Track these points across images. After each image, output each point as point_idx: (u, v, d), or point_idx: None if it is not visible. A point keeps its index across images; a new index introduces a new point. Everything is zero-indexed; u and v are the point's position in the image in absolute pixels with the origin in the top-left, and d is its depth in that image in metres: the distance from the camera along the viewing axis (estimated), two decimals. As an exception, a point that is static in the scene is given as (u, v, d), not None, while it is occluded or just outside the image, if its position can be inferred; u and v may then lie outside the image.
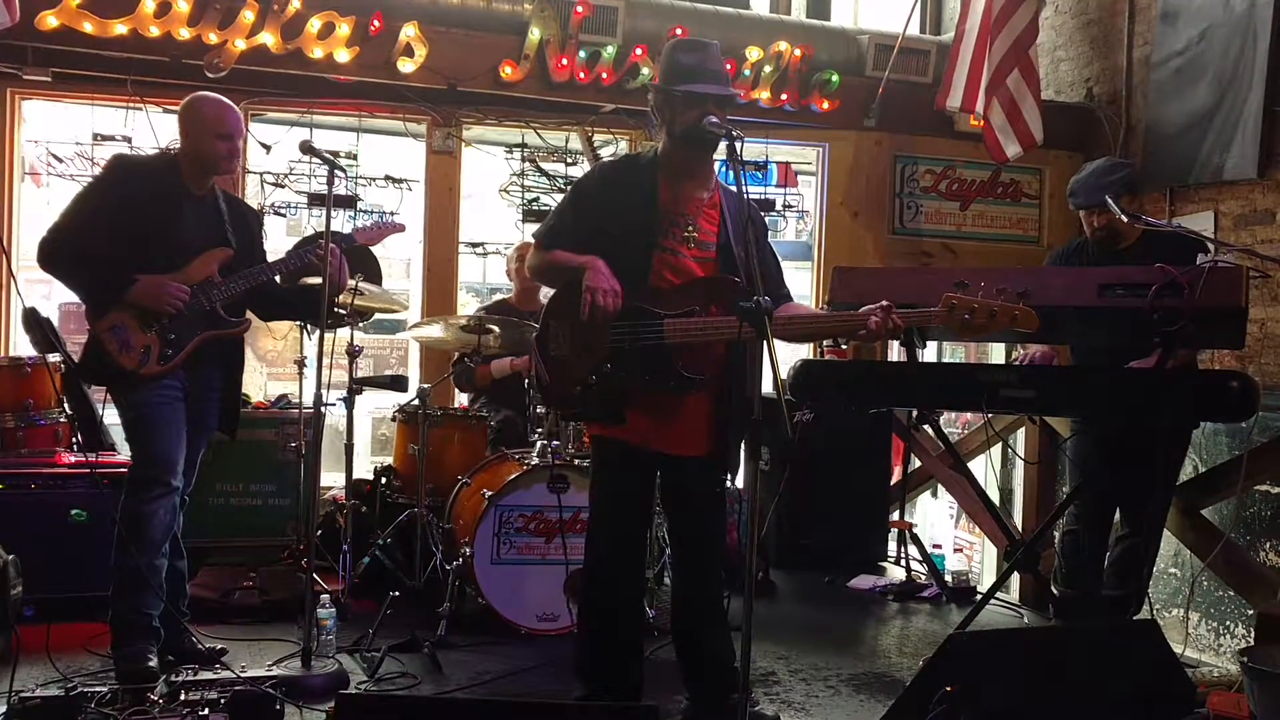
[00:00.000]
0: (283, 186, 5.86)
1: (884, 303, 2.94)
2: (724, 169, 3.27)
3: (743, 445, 3.24)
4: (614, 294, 2.91)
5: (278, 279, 3.72)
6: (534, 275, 3.31)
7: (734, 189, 3.06)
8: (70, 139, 5.60)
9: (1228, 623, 5.36)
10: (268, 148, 5.66)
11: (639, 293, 2.97)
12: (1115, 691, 2.89)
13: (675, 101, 2.99)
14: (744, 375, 2.80)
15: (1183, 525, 4.56)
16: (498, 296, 6.01)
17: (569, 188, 3.29)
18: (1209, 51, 6.07)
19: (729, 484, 3.25)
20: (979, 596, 4.79)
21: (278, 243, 5.67)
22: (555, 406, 3.44)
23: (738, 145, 2.84)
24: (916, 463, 6.04)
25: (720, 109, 2.98)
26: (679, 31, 6.04)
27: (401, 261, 7.53)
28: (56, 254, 3.45)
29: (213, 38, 5.27)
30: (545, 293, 5.54)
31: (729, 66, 6.10)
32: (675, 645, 3.28)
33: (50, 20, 5.05)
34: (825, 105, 6.43)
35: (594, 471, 3.25)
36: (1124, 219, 3.97)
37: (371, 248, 4.56)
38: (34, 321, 4.67)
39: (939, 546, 5.92)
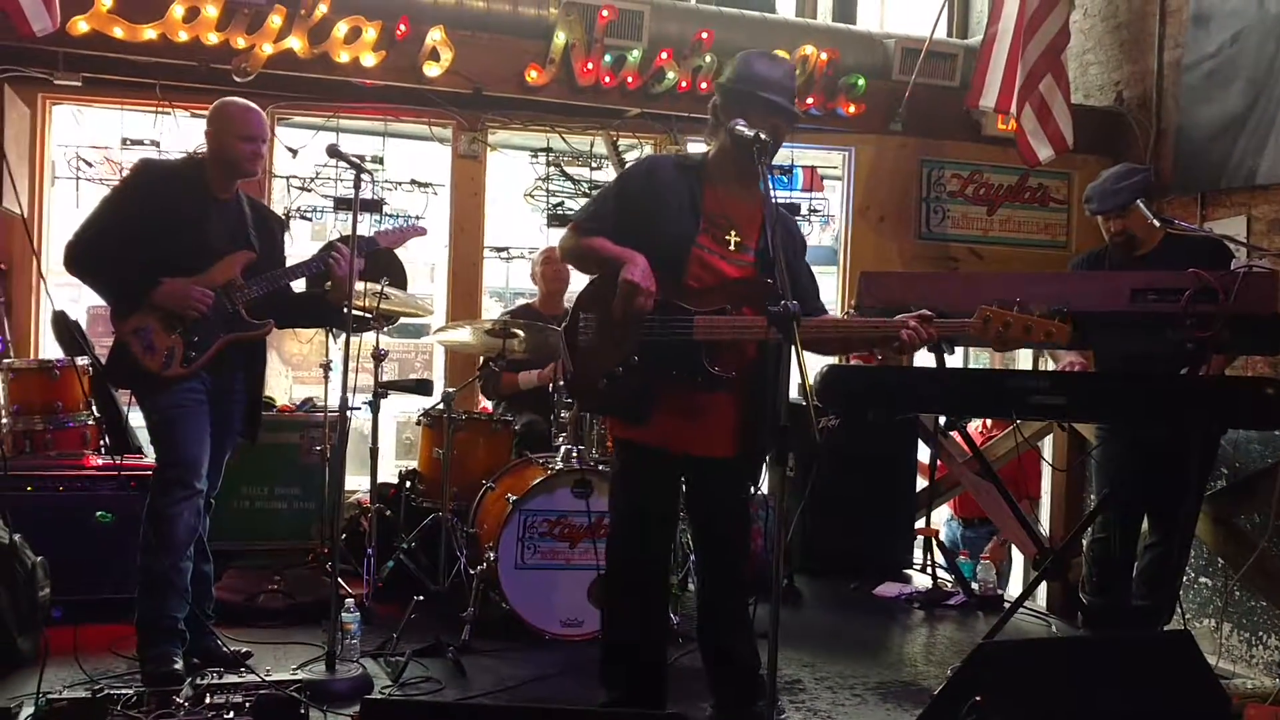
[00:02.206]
0: (309, 190, 5.88)
1: (923, 311, 2.90)
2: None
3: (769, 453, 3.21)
4: (648, 294, 2.89)
5: (302, 284, 3.73)
6: (566, 257, 3.24)
7: (775, 201, 3.04)
8: (99, 143, 5.64)
9: (1260, 633, 5.27)
10: (294, 152, 5.68)
11: (673, 289, 2.95)
12: (1147, 703, 2.84)
13: (749, 105, 2.95)
14: (775, 378, 2.76)
15: (1216, 534, 4.50)
16: (522, 301, 6.01)
17: (613, 179, 3.24)
18: (1242, 54, 5.99)
19: (754, 490, 3.22)
20: (1007, 605, 4.74)
21: (303, 247, 5.70)
22: (579, 399, 3.42)
23: (763, 149, 2.82)
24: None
25: (790, 125, 2.99)
26: (704, 35, 6.03)
27: (426, 266, 7.57)
28: (81, 257, 3.47)
29: (240, 42, 5.31)
30: (570, 296, 5.56)
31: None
32: (700, 652, 3.25)
33: (81, 25, 5.10)
34: (851, 109, 6.40)
35: (616, 476, 3.22)
36: (1155, 223, 3.92)
37: (396, 252, 4.58)
38: (63, 324, 4.71)
39: (966, 553, 5.87)
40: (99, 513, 4.11)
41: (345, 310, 3.50)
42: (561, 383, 4.38)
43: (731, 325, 2.92)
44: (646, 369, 2.95)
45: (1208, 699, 2.96)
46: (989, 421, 6.30)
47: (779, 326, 2.59)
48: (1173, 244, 4.04)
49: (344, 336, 3.59)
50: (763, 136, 2.82)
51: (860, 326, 3.23)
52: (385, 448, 5.55)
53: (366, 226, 5.63)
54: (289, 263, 3.79)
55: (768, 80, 2.98)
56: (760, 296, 2.89)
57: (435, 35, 5.60)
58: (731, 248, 3.04)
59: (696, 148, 6.31)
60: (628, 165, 6.23)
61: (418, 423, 4.99)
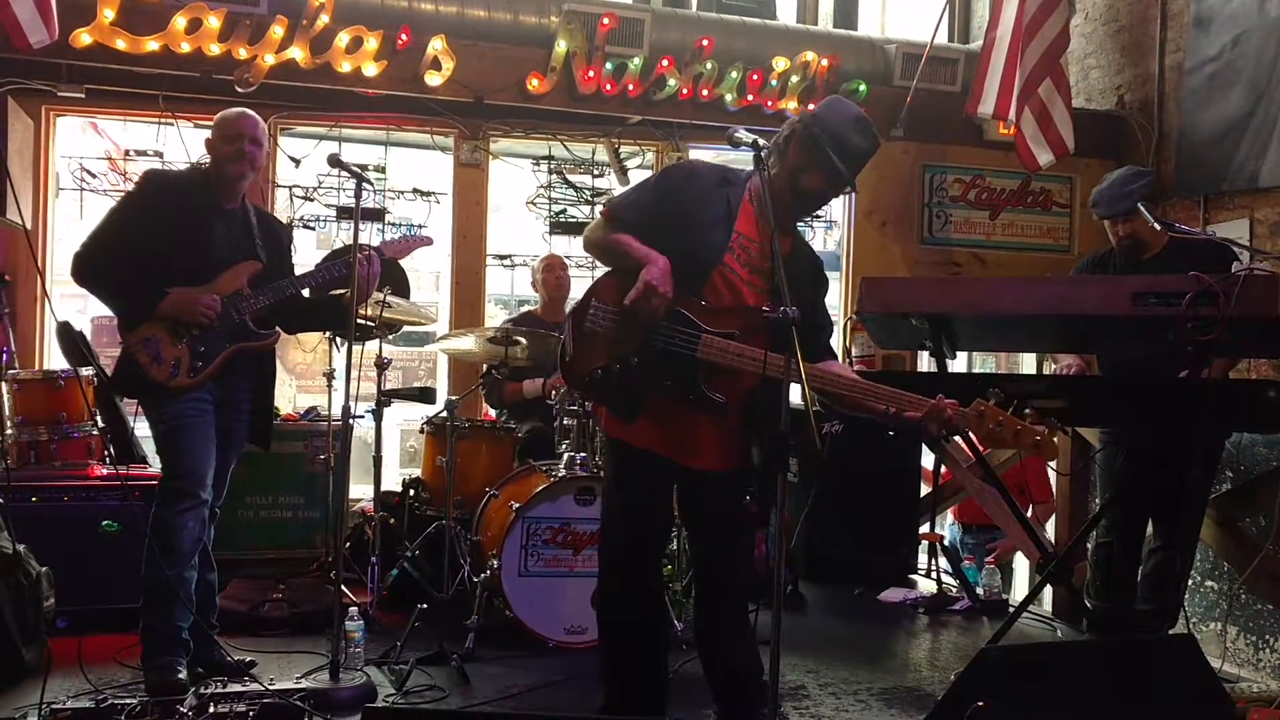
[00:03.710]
0: (312, 200, 5.91)
1: (941, 399, 2.78)
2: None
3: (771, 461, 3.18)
4: (664, 299, 2.86)
5: (306, 291, 3.74)
6: (590, 247, 3.16)
7: (805, 240, 3.03)
8: (103, 154, 5.67)
9: (1267, 637, 5.25)
10: (297, 162, 5.70)
11: (688, 301, 2.92)
12: (1151, 707, 2.84)
13: (820, 163, 2.89)
14: (776, 404, 2.70)
15: (1220, 538, 4.49)
16: (525, 308, 6.02)
17: (654, 174, 3.20)
18: (1243, 57, 6.00)
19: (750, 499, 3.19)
20: (1011, 610, 4.73)
21: (307, 256, 5.72)
22: (571, 382, 3.40)
23: (762, 158, 2.83)
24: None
25: (825, 181, 2.92)
26: (705, 43, 6.04)
27: (430, 274, 7.58)
28: (89, 268, 3.49)
29: (242, 53, 5.33)
30: (571, 304, 5.56)
31: (756, 78, 6.13)
32: (701, 659, 3.25)
33: (84, 38, 5.12)
34: (853, 115, 6.39)
35: (608, 478, 3.21)
36: (1156, 226, 3.92)
37: (399, 260, 4.58)
38: (68, 335, 4.72)
39: (970, 559, 5.86)
40: (105, 521, 4.13)
41: (361, 319, 3.51)
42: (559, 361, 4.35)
43: (735, 353, 2.88)
44: (641, 373, 2.94)
45: (1212, 703, 2.95)
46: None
47: (777, 332, 2.57)
48: (1178, 247, 4.03)
49: (347, 345, 3.60)
50: (761, 143, 2.82)
51: (872, 391, 2.91)
52: (389, 456, 5.55)
53: (370, 235, 5.65)
54: (296, 272, 3.81)
55: (846, 147, 2.88)
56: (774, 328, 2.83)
57: (437, 44, 5.62)
58: (755, 273, 2.99)
59: (697, 154, 6.34)
60: (632, 174, 6.27)
61: (421, 431, 5.00)
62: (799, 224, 3.29)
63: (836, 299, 6.86)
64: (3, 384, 4.51)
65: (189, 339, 3.48)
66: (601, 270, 3.20)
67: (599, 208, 5.15)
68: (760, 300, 2.97)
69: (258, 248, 3.65)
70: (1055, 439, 2.80)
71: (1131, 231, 4.09)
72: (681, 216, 2.98)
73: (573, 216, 6.28)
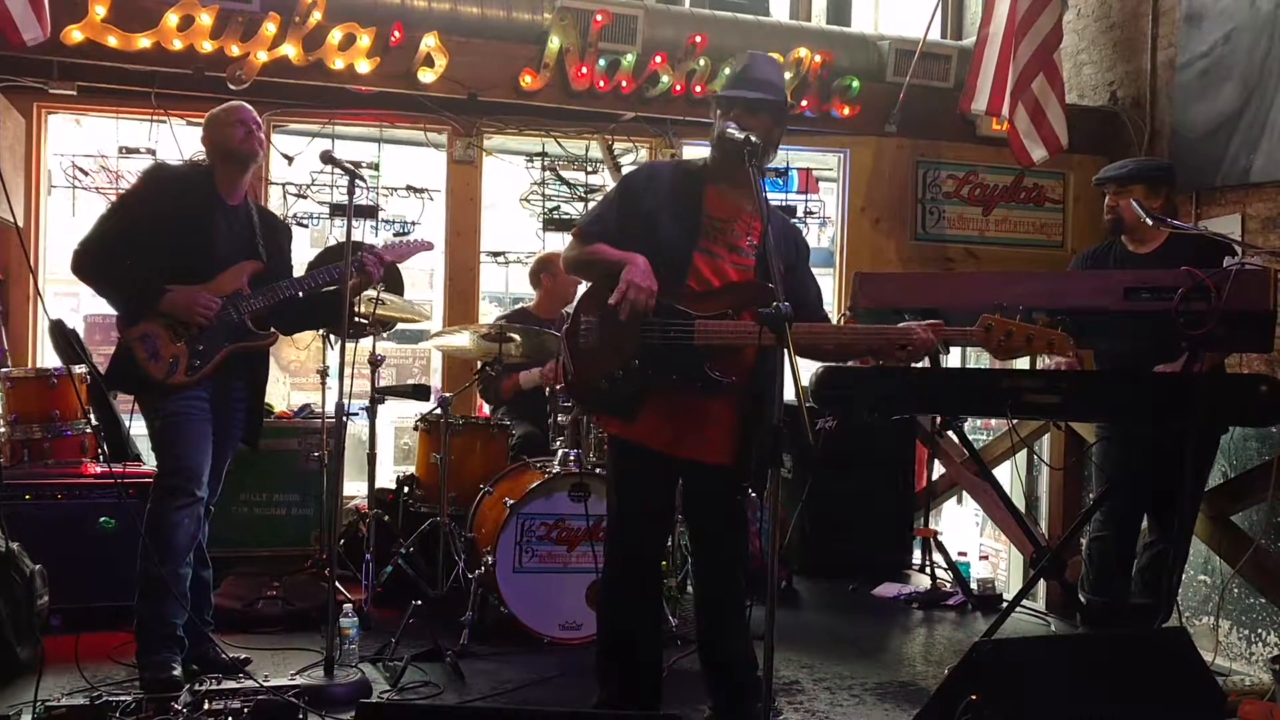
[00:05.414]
0: (305, 197, 5.89)
1: (935, 321, 2.92)
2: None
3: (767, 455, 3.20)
4: (649, 292, 2.89)
5: (302, 294, 3.73)
6: (570, 267, 3.23)
7: (772, 205, 3.08)
8: (95, 152, 5.65)
9: (1259, 630, 5.27)
10: (290, 159, 5.69)
11: (675, 292, 2.96)
12: (1144, 701, 2.85)
13: (738, 104, 3.01)
14: (772, 384, 2.75)
15: (1212, 532, 4.50)
16: (519, 305, 6.01)
17: (614, 184, 3.28)
18: (1234, 53, 6.01)
19: (751, 492, 3.22)
20: (1005, 604, 4.74)
21: (300, 254, 5.71)
22: (578, 399, 3.43)
23: (753, 152, 2.83)
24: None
25: (752, 114, 2.98)
26: (698, 39, 6.04)
27: (424, 271, 7.56)
28: (91, 263, 3.48)
29: (235, 50, 5.32)
30: (565, 304, 5.53)
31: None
32: (698, 654, 3.26)
33: (75, 34, 5.11)
34: (846, 111, 6.41)
35: (610, 473, 3.23)
36: (1149, 221, 3.92)
37: (398, 264, 4.57)
38: (60, 333, 4.71)
39: (964, 554, 5.87)
40: (102, 519, 4.13)
41: (356, 317, 3.51)
42: (560, 386, 4.38)
43: (731, 330, 2.91)
44: (647, 372, 2.96)
45: (1204, 696, 2.96)
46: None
47: (771, 327, 2.59)
48: (1179, 243, 4.04)
49: (341, 343, 3.59)
50: (753, 139, 2.84)
51: (864, 334, 3.10)
52: (383, 453, 5.56)
53: (363, 233, 5.64)
54: (296, 272, 3.80)
55: (752, 78, 3.02)
56: (761, 300, 2.88)
57: (430, 41, 5.61)
58: (734, 251, 3.05)
59: (692, 151, 6.33)
60: (626, 170, 6.27)
61: (415, 428, 5.00)
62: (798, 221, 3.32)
63: (830, 294, 6.86)
64: (-4, 382, 4.51)
65: (188, 337, 3.48)
66: None
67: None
68: (743, 277, 3.02)
69: (259, 246, 3.65)
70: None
71: (1115, 205, 4.11)
72: (650, 215, 3.04)
73: (566, 213, 6.26)
